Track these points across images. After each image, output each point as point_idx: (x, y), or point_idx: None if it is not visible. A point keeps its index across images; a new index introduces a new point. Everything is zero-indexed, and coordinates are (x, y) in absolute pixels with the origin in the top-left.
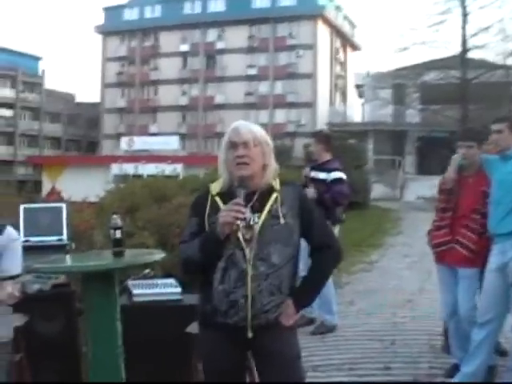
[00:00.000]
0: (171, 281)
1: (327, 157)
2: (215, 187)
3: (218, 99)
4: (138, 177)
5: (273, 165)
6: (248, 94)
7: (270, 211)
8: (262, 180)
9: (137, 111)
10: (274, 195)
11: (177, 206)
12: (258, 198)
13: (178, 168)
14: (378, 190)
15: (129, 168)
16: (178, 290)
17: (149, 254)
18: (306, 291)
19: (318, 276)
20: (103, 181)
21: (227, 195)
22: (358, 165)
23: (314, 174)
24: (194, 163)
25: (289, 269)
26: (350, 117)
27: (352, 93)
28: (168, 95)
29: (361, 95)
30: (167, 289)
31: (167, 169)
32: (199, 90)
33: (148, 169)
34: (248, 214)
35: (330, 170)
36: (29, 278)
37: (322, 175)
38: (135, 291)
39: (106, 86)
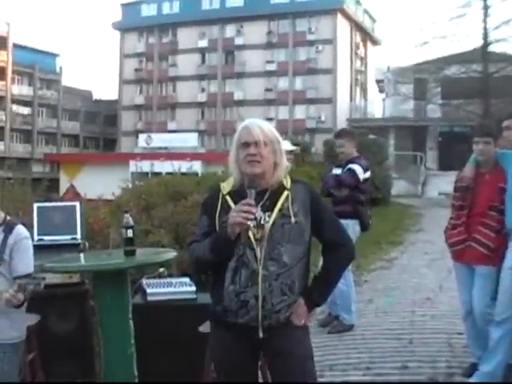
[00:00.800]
0: (186, 280)
1: (355, 153)
2: (226, 186)
3: (237, 95)
4: (156, 174)
5: (284, 163)
6: (267, 89)
7: (280, 210)
8: (273, 178)
9: (155, 108)
10: (285, 193)
11: (193, 204)
12: (268, 197)
13: (197, 165)
14: (399, 187)
15: (146, 165)
16: (193, 289)
17: (161, 252)
18: (318, 290)
19: (330, 275)
20: (121, 179)
21: (238, 194)
22: (378, 161)
23: (338, 171)
24: (212, 160)
25: (300, 268)
26: (370, 112)
27: (372, 88)
28: (186, 92)
29: (381, 90)
30: (182, 288)
31: (185, 166)
32: (218, 86)
33: (166, 166)
34: (259, 213)
35: (351, 163)
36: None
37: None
38: (149, 290)
39: (123, 82)
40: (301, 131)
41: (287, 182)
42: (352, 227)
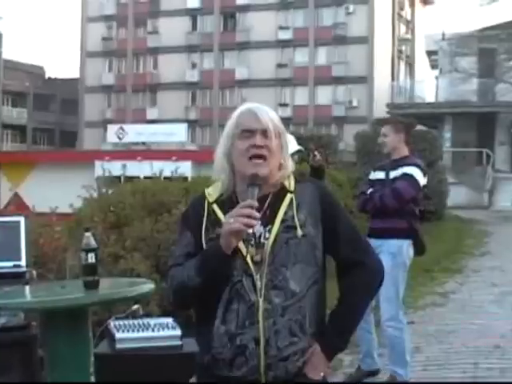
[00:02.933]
0: (168, 321)
1: (405, 151)
2: (212, 193)
3: (240, 73)
4: (130, 179)
5: (289, 163)
6: (280, 65)
7: (283, 220)
8: (274, 182)
9: (129, 90)
10: (288, 198)
11: (178, 219)
12: (269, 205)
13: (185, 167)
14: (457, 195)
15: (118, 167)
16: (177, 333)
17: (135, 284)
18: (337, 331)
19: (350, 306)
20: (83, 185)
21: (228, 203)
22: (430, 161)
23: (380, 175)
24: (206, 160)
25: (313, 297)
26: (418, 95)
27: (422, 63)
28: (172, 69)
29: (434, 66)
30: (162, 331)
31: (170, 168)
32: (214, 61)
33: (144, 169)
34: (257, 227)
35: (405, 166)
36: None
37: (396, 173)
38: (119, 335)
39: (87, 55)
40: (325, 121)
41: (290, 183)
42: (406, 250)
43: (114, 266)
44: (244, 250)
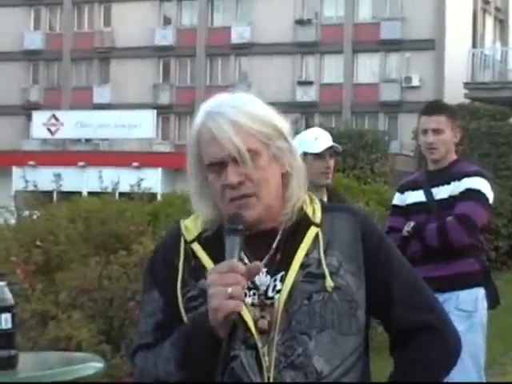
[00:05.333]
0: None
1: (454, 155)
2: (191, 227)
3: (239, 34)
4: (67, 196)
5: (300, 168)
6: (300, 22)
7: (304, 266)
8: (285, 209)
9: (67, 59)
10: (312, 232)
11: (142, 260)
12: (279, 245)
13: (153, 177)
14: None
15: (48, 177)
16: None
17: (73, 362)
18: None
19: None
20: None
21: (215, 243)
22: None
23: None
24: (185, 167)
25: (351, 380)
26: None
27: None
28: (133, 25)
29: None
30: None
31: (130, 179)
32: (198, 14)
33: (90, 180)
34: (262, 278)
35: (460, 177)
36: None
37: (446, 191)
38: None
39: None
40: (369, 108)
41: (315, 212)
42: (482, 303)
43: (41, 333)
44: (244, 312)
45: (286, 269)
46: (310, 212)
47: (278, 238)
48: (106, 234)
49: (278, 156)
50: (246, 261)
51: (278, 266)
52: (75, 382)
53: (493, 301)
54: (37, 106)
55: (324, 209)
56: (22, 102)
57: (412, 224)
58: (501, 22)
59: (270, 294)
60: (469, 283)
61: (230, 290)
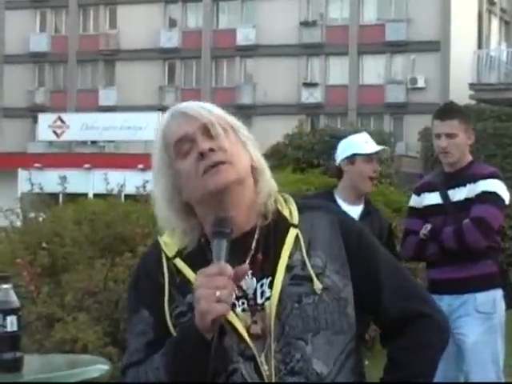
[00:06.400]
0: None
1: (469, 157)
2: (170, 243)
3: (244, 36)
4: (72, 198)
5: (267, 172)
6: (306, 24)
7: (289, 268)
8: (257, 205)
9: (73, 61)
10: (292, 234)
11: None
12: (261, 245)
13: None
14: None
15: (53, 179)
16: None
17: (80, 364)
18: None
19: (410, 374)
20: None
21: (197, 256)
22: None
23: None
24: None
25: (348, 377)
26: None
27: None
28: (139, 28)
29: None
30: None
31: (135, 182)
32: (203, 16)
33: (96, 182)
34: (248, 282)
35: (476, 180)
36: None
37: (462, 193)
38: None
39: (6, 7)
40: (374, 109)
41: (291, 212)
42: (500, 305)
43: (46, 335)
44: (235, 321)
45: (272, 273)
46: (286, 213)
47: (256, 237)
48: (111, 236)
49: (245, 143)
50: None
51: (263, 270)
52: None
53: (510, 301)
54: (43, 109)
55: (300, 209)
56: (28, 105)
57: (429, 227)
58: (506, 23)
59: (259, 300)
60: (486, 285)
61: (218, 293)
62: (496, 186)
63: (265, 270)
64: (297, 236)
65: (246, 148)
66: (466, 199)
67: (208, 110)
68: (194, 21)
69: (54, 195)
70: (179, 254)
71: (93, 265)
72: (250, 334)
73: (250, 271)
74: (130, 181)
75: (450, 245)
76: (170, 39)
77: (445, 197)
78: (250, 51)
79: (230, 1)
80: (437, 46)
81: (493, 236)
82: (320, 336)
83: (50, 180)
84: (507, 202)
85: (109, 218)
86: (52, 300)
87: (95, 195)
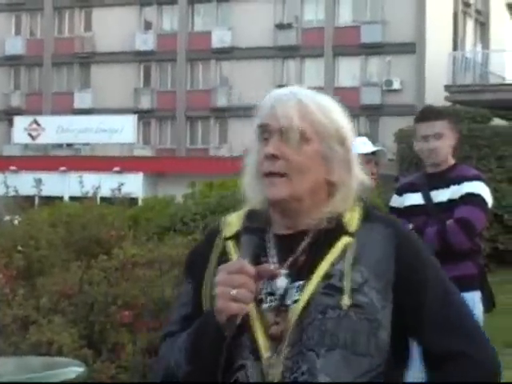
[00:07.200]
0: None
1: (452, 159)
2: (233, 222)
3: (219, 39)
4: (47, 201)
5: (354, 182)
6: (281, 26)
7: (327, 276)
8: (319, 210)
9: (48, 64)
10: (341, 243)
11: (124, 264)
12: (308, 248)
13: (135, 183)
14: None
15: (28, 182)
16: None
17: (54, 366)
18: None
19: None
20: None
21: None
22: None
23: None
24: (168, 173)
25: None
26: (496, 73)
27: (500, 21)
28: (114, 30)
29: None
30: None
31: (110, 184)
32: (178, 19)
33: (71, 185)
34: (281, 281)
35: (460, 181)
36: None
37: (445, 194)
38: None
39: None
40: (350, 110)
41: (352, 220)
42: (478, 306)
43: (22, 338)
44: (256, 318)
45: (307, 278)
46: (346, 219)
47: (308, 240)
48: (86, 239)
49: (327, 157)
50: (275, 260)
51: (300, 273)
52: None
53: (488, 304)
54: (18, 112)
55: (365, 217)
56: (3, 108)
57: (411, 226)
58: (481, 25)
59: (288, 301)
60: (466, 286)
61: (234, 292)
62: (481, 188)
63: (303, 273)
64: (346, 245)
65: (326, 162)
66: (450, 200)
67: (303, 113)
68: (170, 23)
69: (30, 198)
70: (236, 236)
71: (68, 267)
72: (268, 333)
73: (286, 271)
74: (105, 183)
75: (435, 244)
76: (146, 42)
77: (427, 197)
78: (225, 54)
79: (206, 3)
80: (412, 48)
81: (474, 238)
82: (336, 352)
83: (25, 183)
84: (490, 205)
85: (84, 220)
86: (27, 302)
87: (71, 198)
